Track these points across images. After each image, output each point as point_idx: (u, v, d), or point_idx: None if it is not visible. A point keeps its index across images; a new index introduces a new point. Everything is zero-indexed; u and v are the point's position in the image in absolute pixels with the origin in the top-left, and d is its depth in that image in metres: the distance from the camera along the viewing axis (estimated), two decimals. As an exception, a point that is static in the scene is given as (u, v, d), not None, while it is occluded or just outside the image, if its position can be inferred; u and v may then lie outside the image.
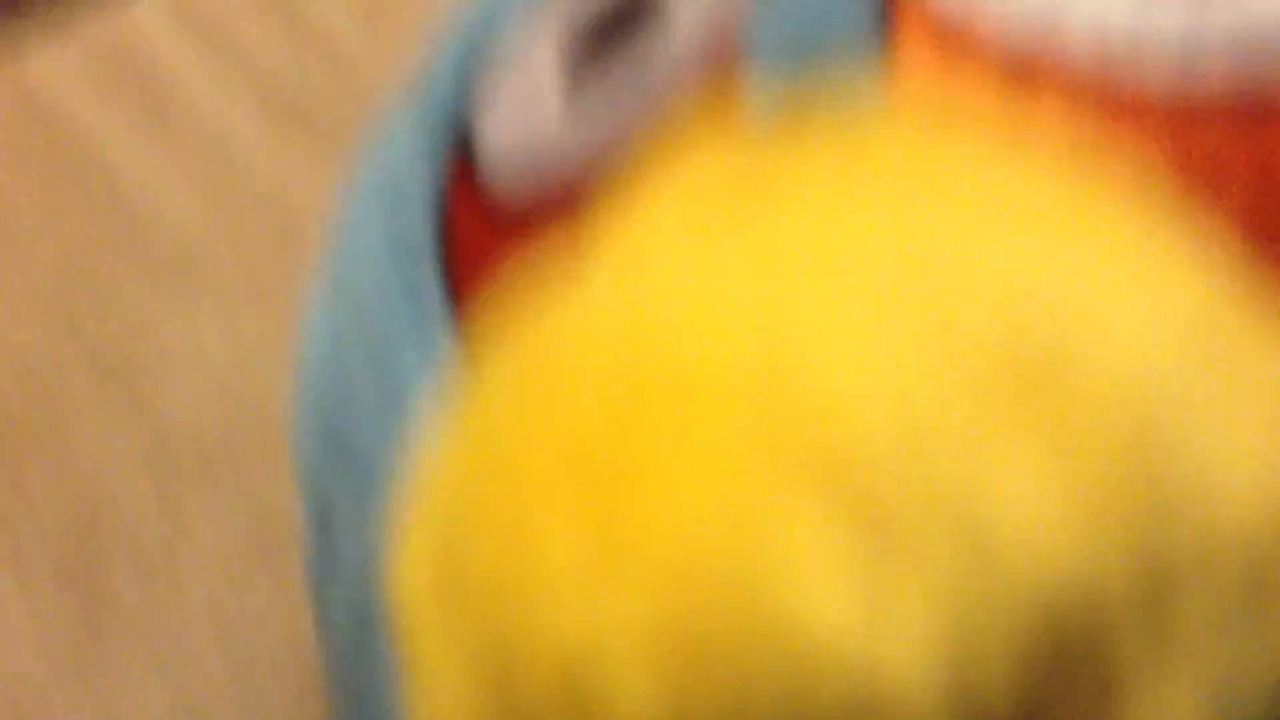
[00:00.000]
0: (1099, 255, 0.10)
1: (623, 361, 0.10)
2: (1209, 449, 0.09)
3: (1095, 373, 0.09)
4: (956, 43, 0.12)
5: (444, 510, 0.11)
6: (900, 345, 0.09)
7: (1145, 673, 0.09)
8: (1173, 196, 0.10)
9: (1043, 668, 0.09)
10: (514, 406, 0.11)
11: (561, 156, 0.14)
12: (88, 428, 0.24)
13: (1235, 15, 0.11)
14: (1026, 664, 0.09)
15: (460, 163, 0.16)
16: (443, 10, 0.18)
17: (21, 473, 0.23)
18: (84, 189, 0.26)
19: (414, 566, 0.11)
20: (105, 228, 0.26)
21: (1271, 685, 0.10)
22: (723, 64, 0.12)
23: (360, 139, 0.18)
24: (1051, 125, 0.11)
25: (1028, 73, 0.11)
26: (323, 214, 0.17)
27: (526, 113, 0.15)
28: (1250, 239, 0.11)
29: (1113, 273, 0.10)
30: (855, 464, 0.09)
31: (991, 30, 0.11)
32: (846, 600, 0.09)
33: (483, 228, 0.15)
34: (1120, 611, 0.09)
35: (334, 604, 0.15)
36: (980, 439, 0.09)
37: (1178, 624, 0.09)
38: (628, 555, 0.09)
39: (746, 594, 0.09)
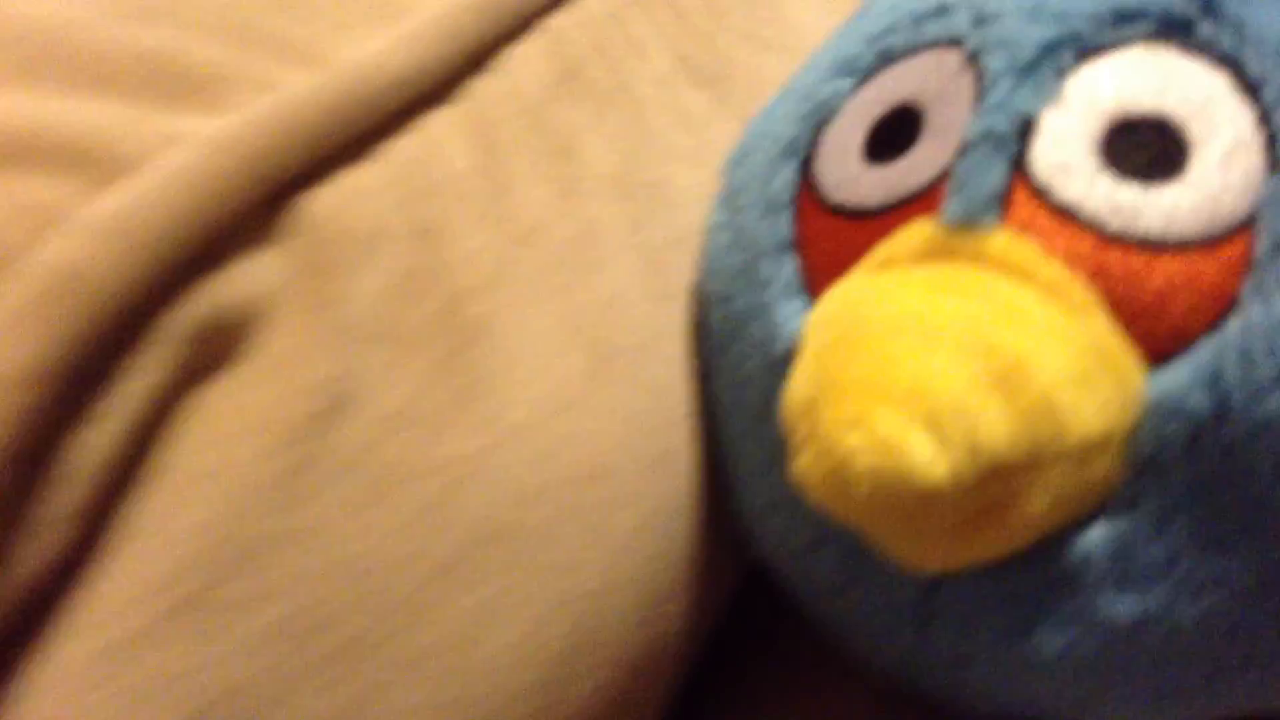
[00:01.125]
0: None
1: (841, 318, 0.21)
2: (1084, 407, 0.20)
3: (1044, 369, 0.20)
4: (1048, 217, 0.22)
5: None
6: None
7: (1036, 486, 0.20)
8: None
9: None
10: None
11: (855, 195, 0.24)
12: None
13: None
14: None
15: (806, 166, 0.25)
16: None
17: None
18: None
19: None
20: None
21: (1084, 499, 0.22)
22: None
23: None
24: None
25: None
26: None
27: (842, 163, 0.25)
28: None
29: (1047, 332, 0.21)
30: None
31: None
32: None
33: (811, 210, 0.25)
34: (1047, 460, 0.20)
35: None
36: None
37: (1051, 470, 0.20)
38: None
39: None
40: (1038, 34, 0.22)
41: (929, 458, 0.19)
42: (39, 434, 0.14)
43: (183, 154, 0.17)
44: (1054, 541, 0.22)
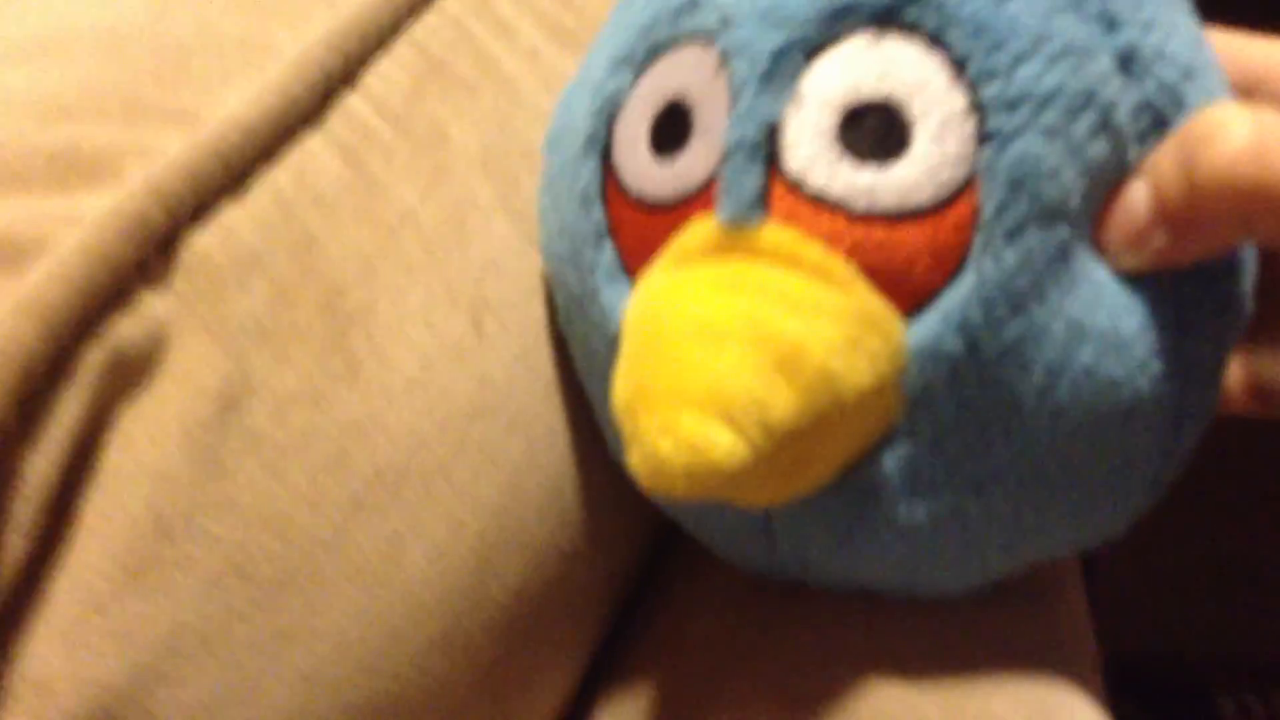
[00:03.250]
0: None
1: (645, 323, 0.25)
2: (856, 367, 0.25)
3: (817, 345, 0.24)
4: (805, 207, 0.25)
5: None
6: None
7: (829, 437, 0.25)
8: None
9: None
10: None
11: (650, 186, 0.27)
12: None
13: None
14: None
15: (607, 157, 0.29)
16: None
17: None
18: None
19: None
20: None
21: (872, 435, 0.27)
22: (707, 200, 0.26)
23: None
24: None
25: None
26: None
27: (634, 156, 0.28)
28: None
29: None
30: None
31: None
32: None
33: (617, 200, 0.28)
34: (833, 417, 0.24)
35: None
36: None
37: (838, 423, 0.25)
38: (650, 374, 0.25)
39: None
40: (770, 41, 0.25)
41: (730, 447, 0.23)
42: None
43: (79, 232, 0.22)
44: (855, 469, 0.27)
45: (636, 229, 0.28)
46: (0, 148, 0.23)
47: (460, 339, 0.28)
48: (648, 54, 0.28)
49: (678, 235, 0.27)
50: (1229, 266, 0.27)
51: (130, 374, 0.22)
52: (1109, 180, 0.26)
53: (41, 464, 0.20)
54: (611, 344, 0.28)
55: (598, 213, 0.29)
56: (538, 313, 0.31)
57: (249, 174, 0.25)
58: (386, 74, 0.29)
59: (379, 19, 0.30)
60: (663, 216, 0.27)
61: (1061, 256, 0.25)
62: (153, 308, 0.23)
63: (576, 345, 0.31)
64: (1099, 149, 0.25)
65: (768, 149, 0.25)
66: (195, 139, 0.24)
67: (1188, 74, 0.26)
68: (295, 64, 0.27)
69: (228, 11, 0.28)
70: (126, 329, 0.22)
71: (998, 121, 0.24)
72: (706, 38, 0.27)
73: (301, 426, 0.24)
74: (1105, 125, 0.25)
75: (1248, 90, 0.28)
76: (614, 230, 0.29)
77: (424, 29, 0.31)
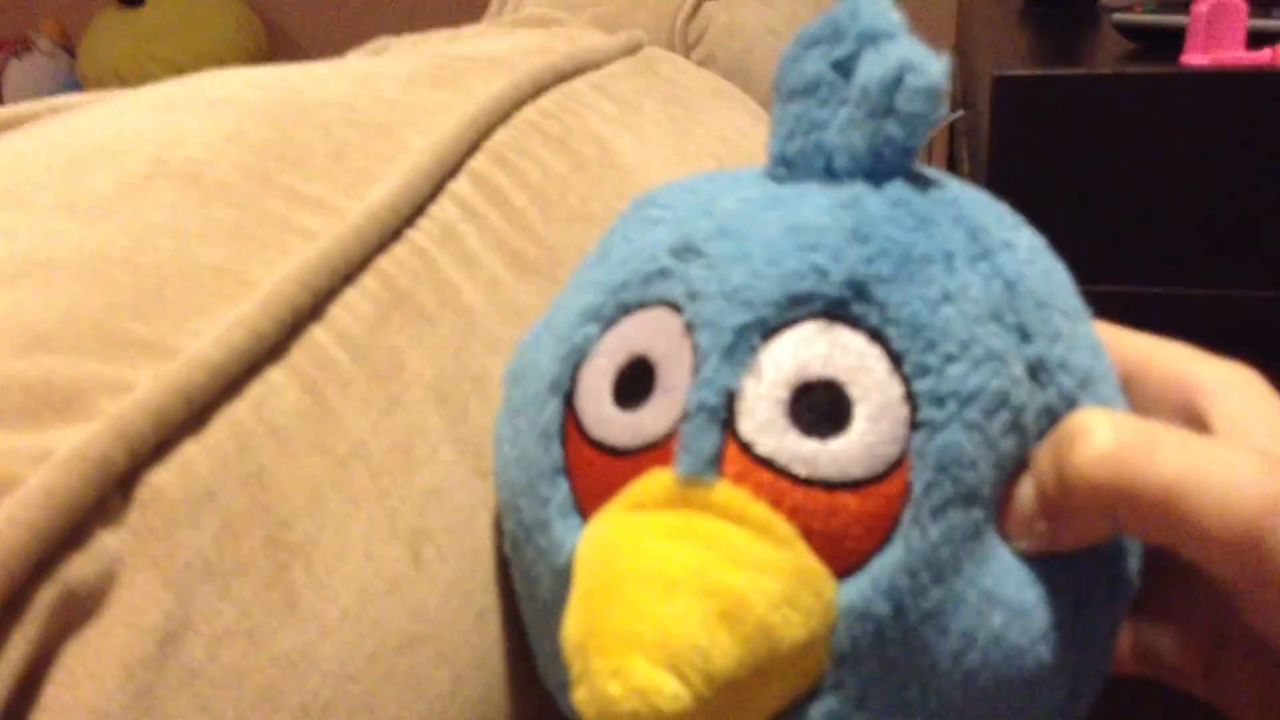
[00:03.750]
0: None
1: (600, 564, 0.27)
2: (791, 621, 0.26)
3: (759, 599, 0.26)
4: (754, 468, 0.27)
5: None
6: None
7: (761, 686, 0.26)
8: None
9: None
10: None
11: (609, 433, 0.29)
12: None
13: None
14: None
15: (569, 400, 0.30)
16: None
17: None
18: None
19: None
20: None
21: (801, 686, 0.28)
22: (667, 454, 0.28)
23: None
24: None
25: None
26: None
27: (596, 403, 0.30)
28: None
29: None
30: None
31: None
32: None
33: (575, 441, 0.30)
34: (767, 667, 0.26)
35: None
36: None
37: (771, 673, 0.26)
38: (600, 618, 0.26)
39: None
40: (733, 319, 0.28)
41: (674, 694, 0.25)
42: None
43: (43, 473, 0.23)
44: (783, 717, 0.28)
45: (593, 471, 0.30)
46: (-21, 377, 0.24)
47: (397, 569, 0.29)
48: (616, 310, 0.31)
49: (634, 483, 0.28)
50: (1118, 549, 0.30)
51: (78, 611, 0.23)
52: (1012, 472, 0.28)
53: (-15, 704, 0.21)
54: (558, 575, 0.30)
55: (556, 450, 0.30)
56: (477, 541, 0.32)
57: (210, 410, 0.27)
58: (352, 305, 0.31)
59: (349, 254, 0.32)
60: (619, 462, 0.29)
61: (976, 534, 0.28)
62: (106, 545, 0.24)
63: (519, 572, 0.32)
64: (1009, 445, 0.28)
65: (725, 413, 0.28)
66: (163, 378, 0.26)
67: (1084, 382, 0.29)
68: (265, 300, 0.29)
69: (206, 240, 0.30)
70: (79, 567, 0.23)
71: (928, 413, 0.27)
72: (674, 306, 0.29)
73: (235, 662, 0.25)
74: (1015, 424, 0.28)
75: (1126, 378, 0.31)
76: (570, 469, 0.30)
77: (390, 260, 0.33)
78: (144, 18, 2.44)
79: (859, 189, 0.30)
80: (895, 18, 0.29)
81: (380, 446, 0.30)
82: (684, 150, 0.51)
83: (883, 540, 0.27)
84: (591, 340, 0.31)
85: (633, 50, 0.58)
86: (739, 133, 0.58)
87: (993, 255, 0.29)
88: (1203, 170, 0.83)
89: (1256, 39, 0.84)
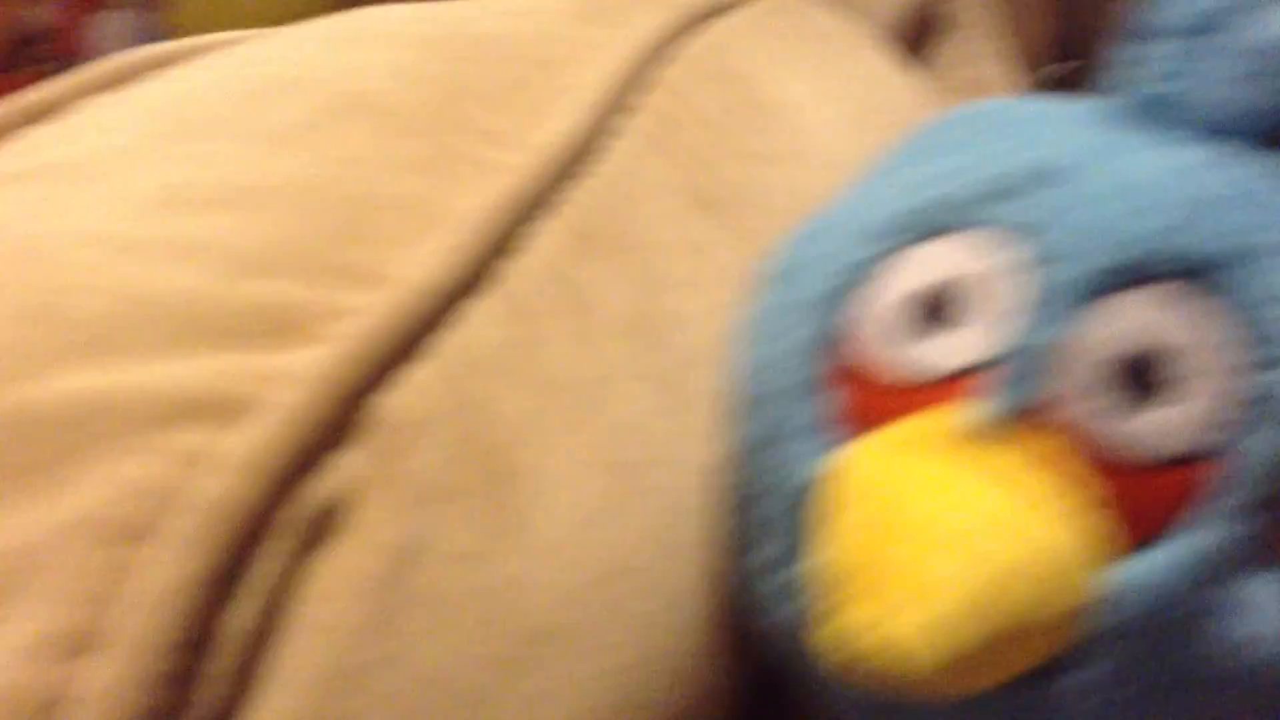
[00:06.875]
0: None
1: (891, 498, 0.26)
2: (1061, 590, 0.25)
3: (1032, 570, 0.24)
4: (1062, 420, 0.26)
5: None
6: None
7: (1014, 649, 0.25)
8: None
9: None
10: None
11: (899, 361, 0.28)
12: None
13: None
14: None
15: (835, 333, 0.29)
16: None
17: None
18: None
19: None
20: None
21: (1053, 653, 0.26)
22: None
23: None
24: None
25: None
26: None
27: (882, 325, 0.28)
28: None
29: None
30: None
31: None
32: None
33: (845, 358, 0.28)
34: (1026, 631, 0.25)
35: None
36: None
37: (1029, 637, 0.25)
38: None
39: None
40: (1090, 263, 0.26)
41: (928, 659, 0.24)
42: (206, 617, 0.21)
43: (288, 391, 0.23)
44: (1029, 680, 0.27)
45: (863, 394, 0.28)
46: (202, 299, 0.24)
47: (597, 501, 0.29)
48: (922, 228, 0.29)
49: (923, 416, 0.27)
50: None
51: (320, 531, 0.23)
52: None
53: (241, 619, 0.21)
54: (793, 491, 0.29)
55: (816, 367, 0.29)
56: (672, 474, 0.32)
57: (431, 336, 0.27)
58: (548, 236, 0.31)
59: (541, 186, 0.31)
60: (901, 392, 0.27)
61: (1266, 543, 0.26)
62: (343, 467, 0.24)
63: (740, 482, 0.31)
64: None
65: (1049, 359, 0.26)
66: (387, 303, 0.26)
67: None
68: (472, 229, 0.29)
69: (402, 170, 0.30)
70: (322, 488, 0.23)
71: (1266, 408, 0.25)
72: (1014, 233, 0.27)
73: (467, 584, 0.25)
74: None
75: None
76: (831, 388, 0.29)
77: (581, 193, 0.33)
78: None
79: (1241, 150, 0.28)
80: None
81: (578, 377, 0.30)
82: (831, 91, 0.51)
83: (1174, 526, 0.26)
84: (885, 255, 0.29)
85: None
86: (878, 74, 0.57)
87: None
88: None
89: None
